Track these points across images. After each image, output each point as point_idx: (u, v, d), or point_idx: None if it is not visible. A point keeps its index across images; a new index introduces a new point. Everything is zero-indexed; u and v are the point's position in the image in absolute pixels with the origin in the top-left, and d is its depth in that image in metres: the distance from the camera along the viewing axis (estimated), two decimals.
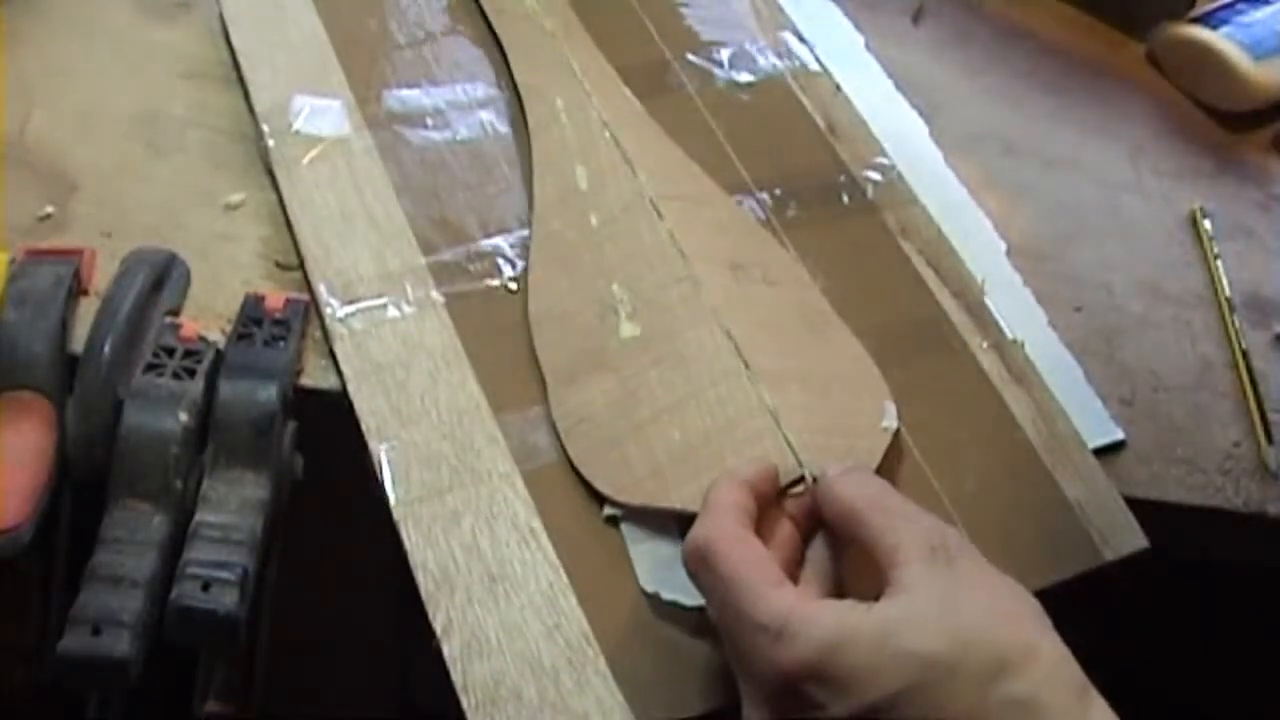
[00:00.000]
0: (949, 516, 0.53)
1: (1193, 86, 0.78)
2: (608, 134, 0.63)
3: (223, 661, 0.52)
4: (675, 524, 0.50)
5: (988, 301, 0.61)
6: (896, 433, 0.54)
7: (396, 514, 0.50)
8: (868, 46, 0.74)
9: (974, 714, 0.39)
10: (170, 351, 0.52)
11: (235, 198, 0.60)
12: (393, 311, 0.56)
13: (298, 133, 0.61)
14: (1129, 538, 0.54)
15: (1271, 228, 0.72)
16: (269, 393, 0.51)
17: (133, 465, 0.49)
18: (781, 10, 0.73)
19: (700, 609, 0.47)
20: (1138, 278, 0.67)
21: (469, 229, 0.60)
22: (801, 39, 0.72)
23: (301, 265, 0.57)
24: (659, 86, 0.68)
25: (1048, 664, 0.40)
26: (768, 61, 0.70)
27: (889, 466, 0.53)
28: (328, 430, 0.53)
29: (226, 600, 0.47)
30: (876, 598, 0.42)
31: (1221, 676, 0.82)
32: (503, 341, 0.56)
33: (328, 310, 0.55)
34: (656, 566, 0.50)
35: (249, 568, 0.48)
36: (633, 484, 0.51)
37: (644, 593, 0.49)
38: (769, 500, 0.48)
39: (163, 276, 0.55)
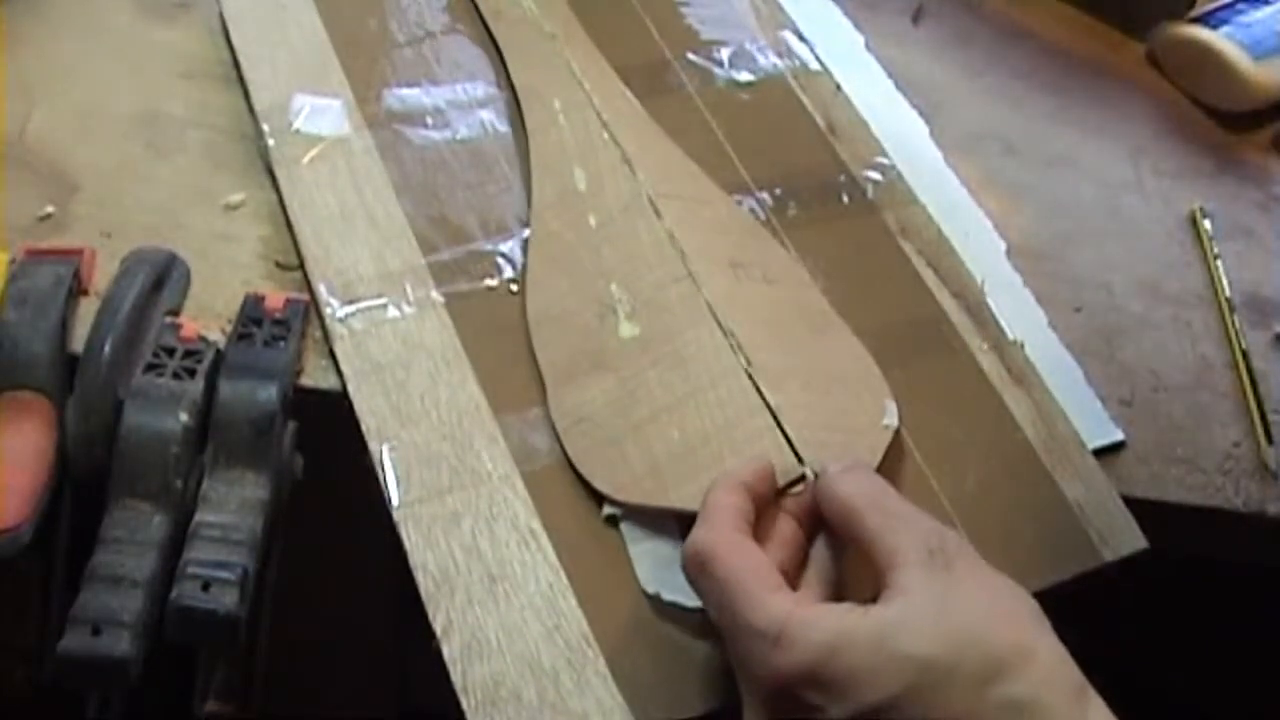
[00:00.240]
0: (948, 517, 0.53)
1: (1193, 86, 0.78)
2: (606, 134, 0.63)
3: (223, 661, 0.52)
4: (675, 524, 0.50)
5: (988, 302, 0.61)
6: (897, 432, 0.54)
7: (397, 515, 0.50)
8: (868, 46, 0.74)
9: (972, 716, 0.39)
10: (170, 351, 0.52)
11: (235, 198, 0.60)
12: (393, 311, 0.56)
13: (298, 132, 0.61)
14: (1128, 538, 0.54)
15: (1271, 228, 0.71)
16: (269, 393, 0.51)
17: (133, 465, 0.49)
18: (781, 9, 0.73)
19: (700, 610, 0.47)
20: (1138, 278, 0.67)
21: (469, 228, 0.60)
22: (802, 38, 0.72)
23: (301, 265, 0.58)
24: (659, 86, 0.68)
25: (1045, 665, 0.40)
26: (768, 61, 0.70)
27: (889, 465, 0.53)
28: (328, 430, 0.53)
29: (226, 600, 0.47)
30: (874, 597, 0.42)
31: (1221, 676, 0.82)
32: (503, 342, 0.56)
33: (328, 310, 0.55)
34: (657, 567, 0.50)
35: (249, 568, 0.48)
36: (631, 483, 0.51)
37: (644, 593, 0.49)
38: (767, 500, 0.48)
39: (163, 276, 0.55)
